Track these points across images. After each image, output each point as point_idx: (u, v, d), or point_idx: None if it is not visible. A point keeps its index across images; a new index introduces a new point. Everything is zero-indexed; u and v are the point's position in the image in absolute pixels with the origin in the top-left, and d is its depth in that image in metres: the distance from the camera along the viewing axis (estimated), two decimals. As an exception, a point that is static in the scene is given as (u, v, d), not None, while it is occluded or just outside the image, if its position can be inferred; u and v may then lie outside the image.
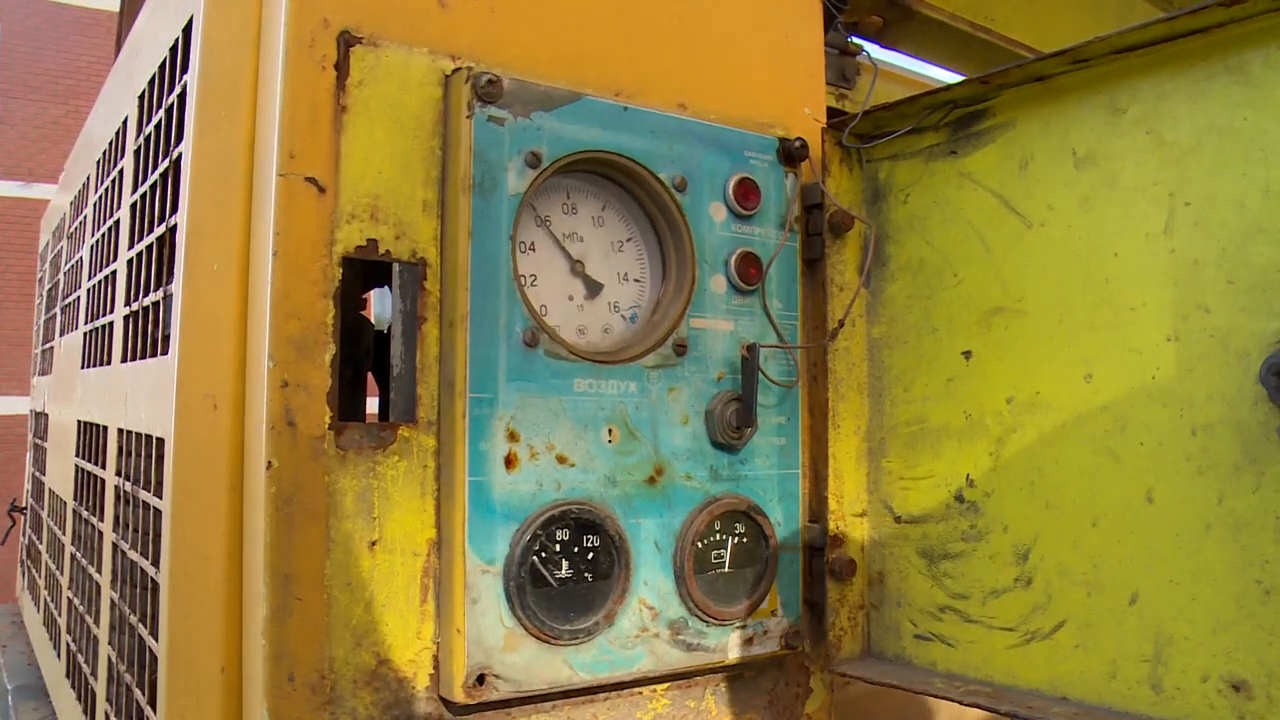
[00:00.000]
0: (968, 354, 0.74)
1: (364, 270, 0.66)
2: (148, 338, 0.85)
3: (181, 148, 0.73)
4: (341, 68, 0.64)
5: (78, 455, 1.19)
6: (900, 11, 1.30)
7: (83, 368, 1.21)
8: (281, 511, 0.61)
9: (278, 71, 0.64)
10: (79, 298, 1.30)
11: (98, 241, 1.15)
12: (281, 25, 0.64)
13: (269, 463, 0.61)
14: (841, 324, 0.79)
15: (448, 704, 0.65)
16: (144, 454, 0.80)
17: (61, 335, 1.48)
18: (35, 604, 1.62)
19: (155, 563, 0.74)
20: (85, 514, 1.11)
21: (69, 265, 1.46)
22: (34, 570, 1.68)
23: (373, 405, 0.71)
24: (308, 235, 0.62)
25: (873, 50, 1.36)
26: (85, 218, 1.31)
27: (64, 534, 1.29)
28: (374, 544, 0.63)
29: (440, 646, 0.65)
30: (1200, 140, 0.62)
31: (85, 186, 1.34)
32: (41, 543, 1.58)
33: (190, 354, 0.69)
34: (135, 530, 0.82)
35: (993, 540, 0.72)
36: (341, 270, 0.63)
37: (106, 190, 1.12)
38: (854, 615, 0.82)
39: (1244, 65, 0.61)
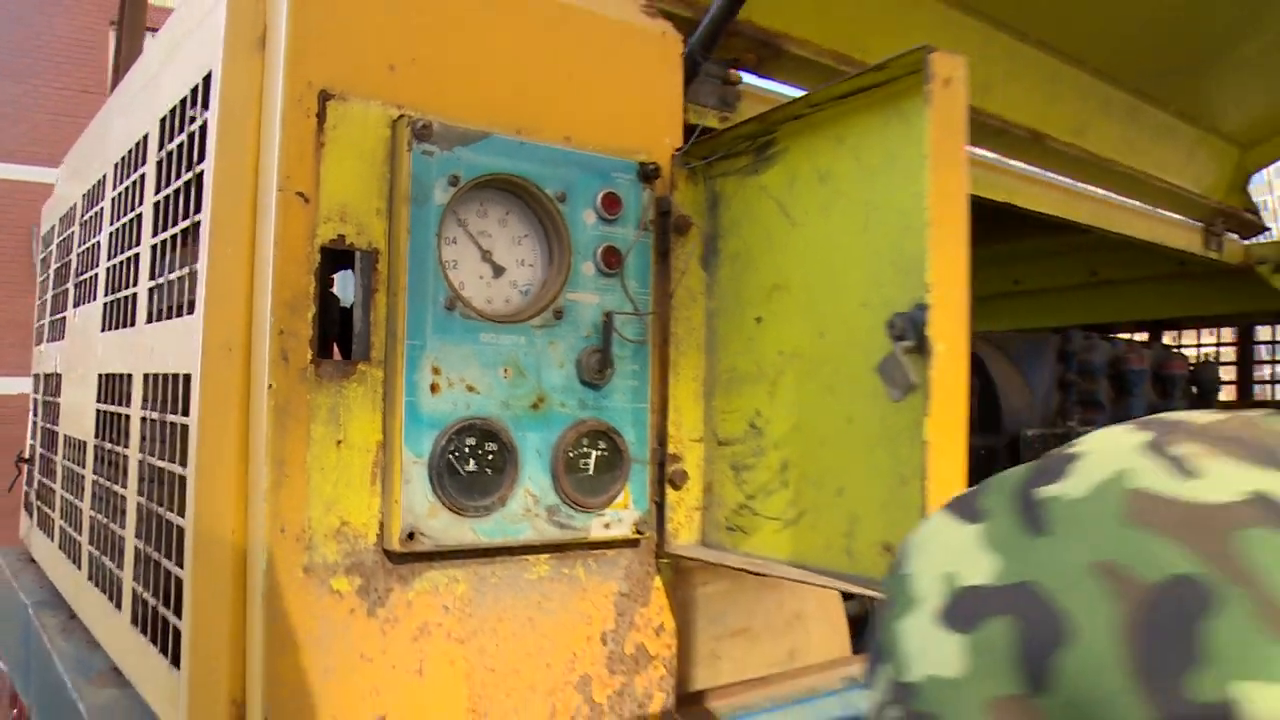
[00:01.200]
0: (759, 319, 1.05)
1: (335, 256, 0.95)
2: (171, 304, 1.13)
3: (204, 165, 1.02)
4: (321, 116, 0.93)
5: (99, 401, 1.48)
6: (771, 50, 1.60)
7: (103, 331, 1.49)
8: (278, 418, 0.90)
9: (276, 117, 0.93)
10: (97, 274, 1.58)
11: (118, 229, 1.43)
12: (280, 85, 0.93)
13: (270, 385, 0.90)
14: (672, 295, 1.09)
15: (388, 554, 0.95)
16: (170, 389, 1.09)
17: (76, 306, 1.76)
18: (48, 535, 1.90)
19: (183, 463, 1.03)
20: (109, 445, 1.40)
21: (84, 248, 1.73)
22: (45, 507, 1.95)
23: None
24: (298, 231, 0.92)
25: (753, 79, 1.65)
26: (102, 209, 1.59)
27: (83, 468, 1.57)
28: (339, 442, 0.93)
29: (384, 514, 0.95)
30: (884, 163, 0.92)
31: (100, 184, 1.61)
32: (54, 481, 1.86)
33: (212, 313, 0.98)
34: (163, 445, 1.11)
35: (769, 455, 1.03)
36: (320, 256, 0.93)
37: (126, 190, 1.40)
38: (690, 515, 1.13)
39: (903, 111, 0.90)
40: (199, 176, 1.04)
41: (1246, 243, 2.97)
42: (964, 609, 0.47)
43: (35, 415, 2.19)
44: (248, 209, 0.96)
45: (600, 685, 1.09)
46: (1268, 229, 2.97)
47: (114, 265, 1.44)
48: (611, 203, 1.06)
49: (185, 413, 1.03)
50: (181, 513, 1.03)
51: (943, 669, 0.47)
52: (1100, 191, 2.45)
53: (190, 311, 1.04)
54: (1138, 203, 2.56)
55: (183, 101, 1.14)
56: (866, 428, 0.92)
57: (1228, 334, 3.47)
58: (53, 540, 1.85)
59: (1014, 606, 0.45)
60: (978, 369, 2.62)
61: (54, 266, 2.10)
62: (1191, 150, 2.76)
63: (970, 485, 0.55)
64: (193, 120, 1.08)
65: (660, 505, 1.11)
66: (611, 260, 1.06)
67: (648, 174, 1.10)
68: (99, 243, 1.59)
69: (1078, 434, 2.41)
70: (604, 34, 1.12)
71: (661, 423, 1.11)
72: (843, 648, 1.53)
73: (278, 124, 0.92)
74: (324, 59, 0.95)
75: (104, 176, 1.60)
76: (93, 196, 1.69)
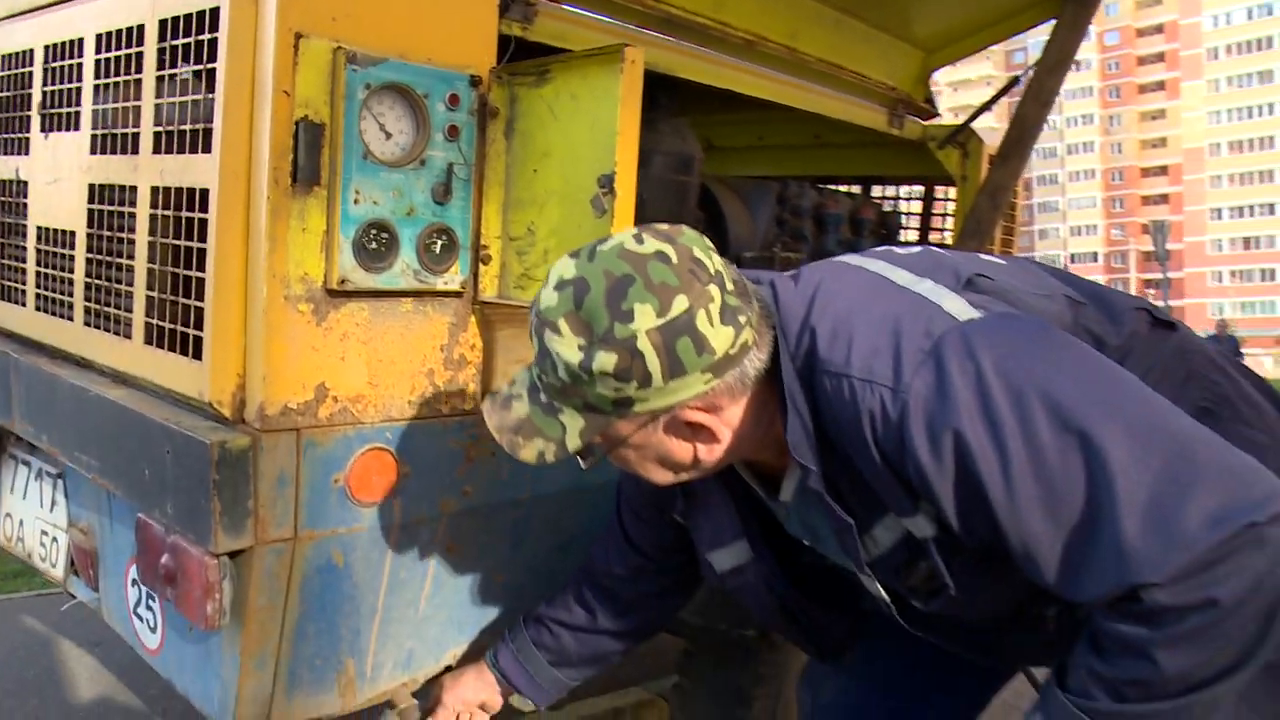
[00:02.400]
0: (535, 170, 1.87)
1: (301, 126, 1.71)
2: (180, 142, 1.86)
3: (217, 65, 1.74)
4: (296, 48, 1.68)
5: (92, 202, 2.17)
6: (560, -13, 2.37)
7: (93, 153, 2.18)
8: (272, 214, 1.67)
9: (270, 45, 1.67)
10: (79, 112, 2.24)
11: (112, 84, 2.11)
12: (271, 28, 1.66)
13: (268, 195, 1.67)
14: (487, 153, 1.90)
15: (329, 292, 1.74)
16: (187, 198, 1.83)
17: (46, 131, 2.41)
18: (18, 303, 2.57)
19: (203, 240, 1.78)
20: (109, 233, 2.11)
21: (53, 87, 2.38)
22: (12, 283, 2.61)
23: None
24: (283, 111, 1.67)
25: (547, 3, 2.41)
26: (81, 64, 2.24)
27: (74, 250, 2.27)
28: (304, 229, 1.71)
29: (327, 269, 1.74)
30: (603, 96, 1.73)
31: (78, 43, 2.26)
32: (24, 262, 2.53)
33: (226, 152, 1.72)
34: (178, 231, 1.86)
35: (538, 246, 1.87)
36: (294, 128, 1.69)
37: (120, 59, 2.08)
38: (493, 280, 1.96)
39: (613, 70, 1.72)
40: (212, 71, 1.77)
41: (924, 124, 3.91)
42: (559, 285, 1.36)
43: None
44: (248, 96, 1.71)
45: (438, 374, 1.93)
46: (939, 114, 3.92)
47: (108, 109, 2.13)
48: (454, 99, 1.85)
49: (204, 211, 1.78)
50: (201, 269, 1.79)
51: (547, 303, 1.37)
52: (803, 81, 3.31)
53: (206, 149, 1.78)
54: (833, 91, 3.44)
55: (186, 16, 1.84)
56: (587, 230, 1.77)
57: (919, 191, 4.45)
58: (26, 305, 2.53)
59: (574, 284, 1.31)
60: (712, 203, 3.50)
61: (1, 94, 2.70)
62: (885, 52, 3.64)
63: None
64: (202, 31, 1.80)
65: (475, 274, 1.93)
66: (453, 132, 1.85)
67: (475, 82, 1.88)
68: (79, 89, 2.25)
69: (782, 259, 3.36)
70: (451, -6, 1.89)
71: (478, 226, 1.93)
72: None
73: (271, 50, 1.66)
74: (296, 13, 1.68)
75: (81, 39, 2.24)
76: (63, 50, 2.33)
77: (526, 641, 1.90)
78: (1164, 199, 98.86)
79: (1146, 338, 1.44)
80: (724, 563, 1.65)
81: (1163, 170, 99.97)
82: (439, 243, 1.86)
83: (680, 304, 1.27)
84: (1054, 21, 3.43)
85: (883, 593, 1.48)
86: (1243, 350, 16.72)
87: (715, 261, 1.34)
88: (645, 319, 1.26)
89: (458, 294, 1.92)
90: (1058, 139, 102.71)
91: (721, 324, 1.29)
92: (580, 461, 1.42)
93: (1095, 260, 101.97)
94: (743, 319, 1.32)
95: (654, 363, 1.27)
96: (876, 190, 4.50)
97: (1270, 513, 1.06)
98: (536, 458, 1.37)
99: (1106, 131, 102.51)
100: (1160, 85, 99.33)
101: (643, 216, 2.81)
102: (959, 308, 1.29)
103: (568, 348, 1.30)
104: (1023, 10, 3.57)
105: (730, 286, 1.33)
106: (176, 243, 1.86)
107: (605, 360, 1.27)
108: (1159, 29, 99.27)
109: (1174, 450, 1.10)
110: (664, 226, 1.39)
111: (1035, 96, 3.41)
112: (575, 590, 1.90)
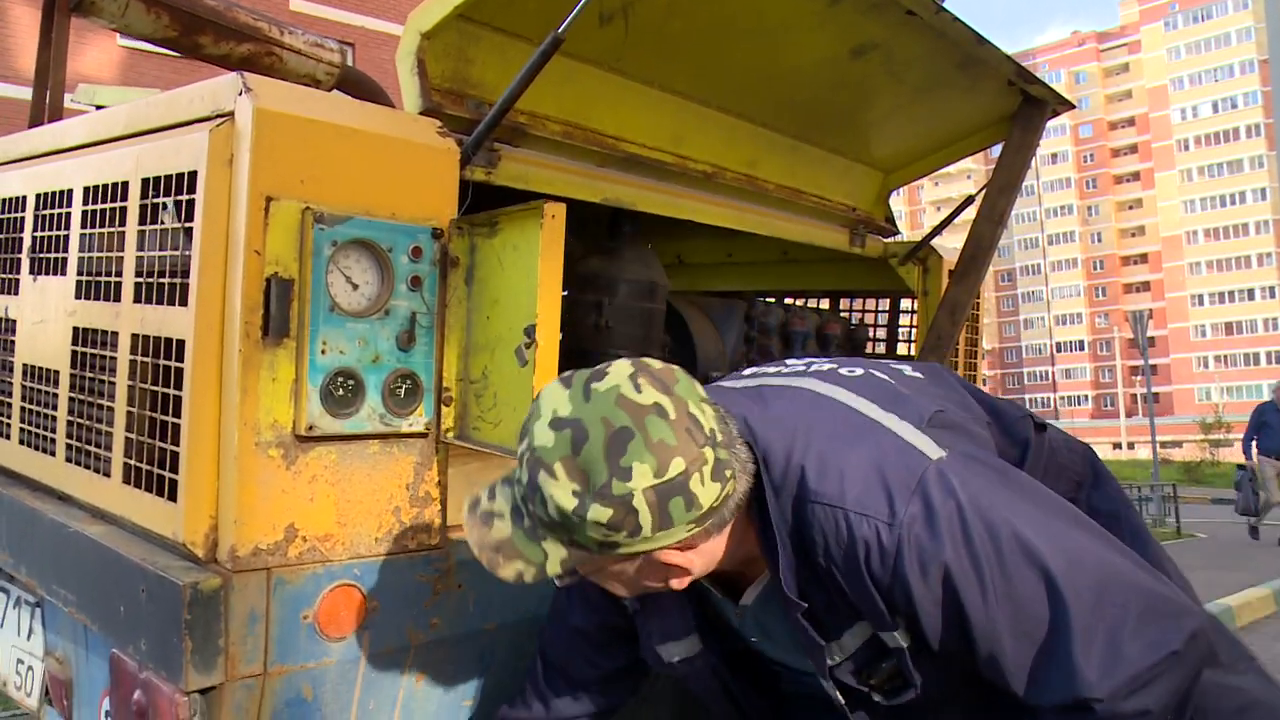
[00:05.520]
0: (488, 317, 1.98)
1: (275, 282, 1.82)
2: (159, 293, 1.97)
3: (194, 224, 1.87)
4: (266, 210, 1.80)
5: (77, 344, 2.28)
6: (520, 133, 2.50)
7: (78, 298, 2.29)
8: (243, 366, 1.78)
9: (243, 209, 1.79)
10: (66, 258, 2.36)
11: (97, 235, 2.23)
12: (244, 191, 1.79)
13: (240, 349, 1.78)
14: (448, 301, 2.01)
15: (298, 437, 1.84)
16: (164, 346, 1.93)
17: (34, 274, 2.52)
18: (1, 435, 2.66)
19: (179, 387, 1.88)
20: (91, 374, 2.21)
21: (42, 234, 2.50)
22: (-3, 415, 2.70)
23: (266, 329, 1.87)
24: (254, 269, 1.78)
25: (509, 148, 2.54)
26: (69, 214, 2.36)
27: (57, 388, 2.37)
28: (274, 379, 1.81)
29: (295, 416, 1.83)
30: (533, 247, 1.86)
31: (66, 193, 2.39)
32: (10, 397, 2.62)
33: (201, 307, 1.83)
34: (155, 376, 1.96)
35: (491, 389, 1.97)
36: (265, 284, 1.80)
37: (105, 211, 2.20)
38: (456, 421, 2.06)
39: (539, 224, 1.84)
40: (190, 229, 1.89)
41: (885, 241, 4.06)
42: (555, 424, 1.45)
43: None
44: (222, 253, 1.83)
45: (404, 511, 2.01)
46: (899, 233, 4.07)
47: (93, 257, 2.24)
48: (416, 251, 1.97)
49: (180, 360, 1.88)
50: (177, 415, 1.89)
51: (542, 442, 1.44)
52: (764, 208, 3.44)
53: (184, 303, 1.89)
54: (794, 215, 3.58)
55: (167, 177, 1.97)
56: (510, 379, 1.88)
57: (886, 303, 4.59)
58: (11, 439, 2.62)
59: (571, 427, 1.37)
60: (680, 324, 3.62)
61: (-9, 236, 2.82)
62: (843, 174, 3.79)
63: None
64: (180, 191, 1.92)
65: (438, 415, 2.03)
66: (416, 282, 1.97)
67: (436, 234, 2.00)
68: (67, 236, 2.37)
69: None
70: (415, 152, 2.01)
71: (440, 370, 2.03)
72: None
73: (244, 213, 1.79)
74: (267, 178, 1.81)
75: (70, 190, 2.37)
76: (54, 200, 2.46)
77: None
78: (1145, 286, 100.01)
79: (1034, 441, 1.73)
80: (674, 654, 1.73)
81: (1143, 258, 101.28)
82: (404, 387, 1.96)
83: (677, 466, 1.34)
84: (1002, 144, 3.59)
85: (839, 696, 1.56)
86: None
87: (708, 416, 1.41)
88: (643, 478, 1.33)
89: (422, 435, 2.01)
90: (1038, 229, 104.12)
91: (712, 481, 1.38)
92: (556, 581, 1.51)
93: (1082, 349, 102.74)
94: (729, 473, 1.41)
95: (646, 518, 1.35)
96: (845, 303, 4.63)
97: (1186, 636, 1.31)
98: (515, 577, 1.44)
99: (1085, 221, 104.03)
100: (1135, 176, 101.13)
101: (610, 343, 2.94)
102: (928, 445, 1.44)
103: (562, 493, 1.36)
104: (973, 133, 3.73)
105: (720, 438, 1.41)
106: (154, 388, 1.96)
107: (600, 513, 1.34)
108: (1130, 122, 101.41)
109: (1114, 582, 1.34)
110: (658, 367, 1.46)
111: (988, 216, 3.55)
112: (531, 685, 1.96)
